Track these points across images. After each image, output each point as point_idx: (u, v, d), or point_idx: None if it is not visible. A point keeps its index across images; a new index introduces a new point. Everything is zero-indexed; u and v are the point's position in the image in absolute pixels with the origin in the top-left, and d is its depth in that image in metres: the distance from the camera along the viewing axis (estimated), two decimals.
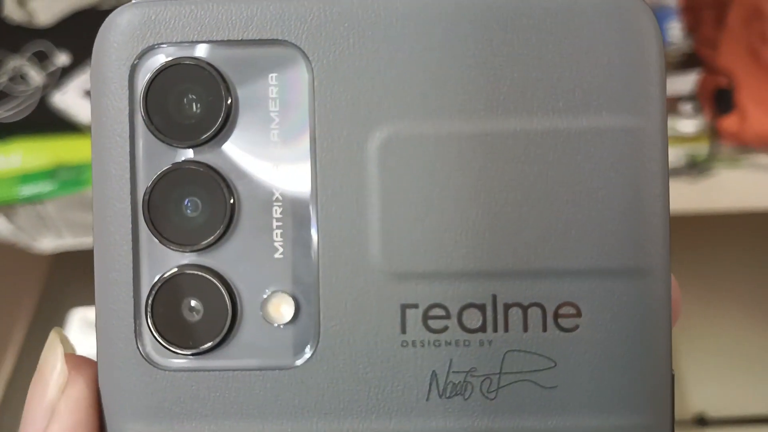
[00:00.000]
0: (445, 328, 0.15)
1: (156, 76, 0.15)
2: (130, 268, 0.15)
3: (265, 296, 0.15)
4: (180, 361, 0.15)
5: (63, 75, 0.66)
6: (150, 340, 0.15)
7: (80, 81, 0.66)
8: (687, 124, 0.66)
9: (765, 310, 1.01)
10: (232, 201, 0.15)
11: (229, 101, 0.15)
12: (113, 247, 0.15)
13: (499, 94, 0.15)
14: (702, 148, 0.67)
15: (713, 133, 0.67)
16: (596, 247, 0.15)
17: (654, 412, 0.15)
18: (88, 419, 0.15)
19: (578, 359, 0.15)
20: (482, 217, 0.15)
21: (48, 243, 0.66)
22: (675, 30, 0.65)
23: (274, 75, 0.15)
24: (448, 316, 0.15)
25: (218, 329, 0.15)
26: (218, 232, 0.15)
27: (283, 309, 0.15)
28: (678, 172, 0.67)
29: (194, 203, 0.15)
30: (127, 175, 0.15)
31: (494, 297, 0.15)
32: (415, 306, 0.15)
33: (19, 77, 0.67)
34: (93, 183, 0.15)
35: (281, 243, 0.15)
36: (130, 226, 0.15)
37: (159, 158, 0.15)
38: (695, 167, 0.67)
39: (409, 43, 0.15)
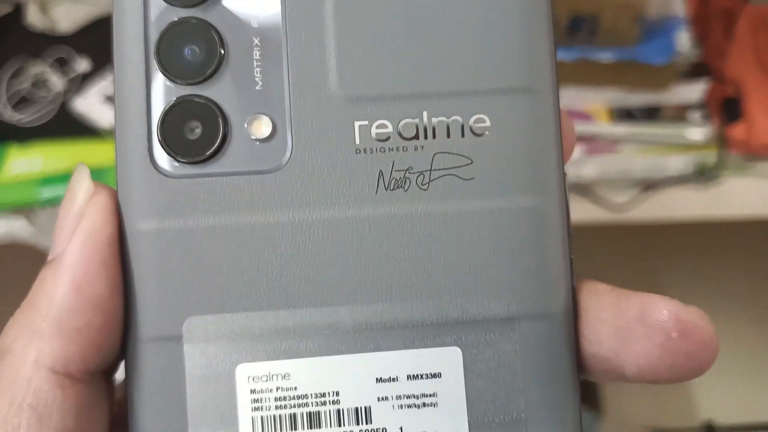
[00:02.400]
0: (388, 138, 0.19)
1: None
2: (144, 99, 0.19)
3: (249, 118, 0.19)
4: (184, 169, 0.19)
5: (83, 81, 0.68)
6: (160, 154, 0.19)
7: (100, 86, 0.67)
8: (695, 132, 0.67)
9: None
10: (222, 48, 0.19)
11: None
12: (130, 86, 0.19)
13: None
14: (710, 156, 0.67)
15: (721, 141, 0.67)
16: (498, 70, 0.19)
17: (548, 195, 0.19)
18: (111, 219, 0.18)
19: (488, 157, 0.19)
20: (413, 50, 0.19)
21: None
22: (684, 39, 0.65)
23: None
24: (390, 129, 0.19)
25: (213, 143, 0.19)
26: (211, 70, 0.19)
27: (263, 128, 0.19)
28: (686, 179, 0.68)
29: (193, 50, 0.19)
30: (141, 31, 0.19)
31: (424, 113, 0.19)
32: (365, 122, 0.19)
33: (41, 83, 0.68)
34: (113, 41, 0.19)
35: (260, 78, 0.19)
36: (144, 68, 0.19)
37: (165, 17, 0.19)
38: (703, 175, 0.67)
39: None
